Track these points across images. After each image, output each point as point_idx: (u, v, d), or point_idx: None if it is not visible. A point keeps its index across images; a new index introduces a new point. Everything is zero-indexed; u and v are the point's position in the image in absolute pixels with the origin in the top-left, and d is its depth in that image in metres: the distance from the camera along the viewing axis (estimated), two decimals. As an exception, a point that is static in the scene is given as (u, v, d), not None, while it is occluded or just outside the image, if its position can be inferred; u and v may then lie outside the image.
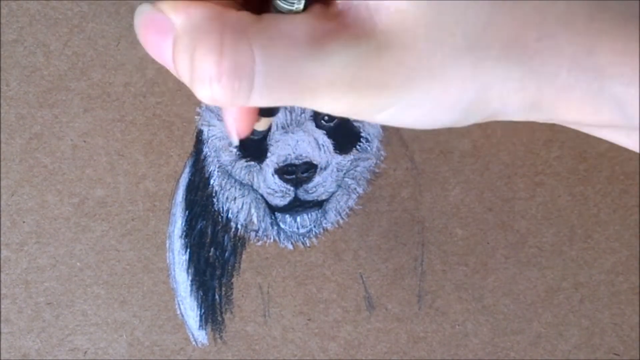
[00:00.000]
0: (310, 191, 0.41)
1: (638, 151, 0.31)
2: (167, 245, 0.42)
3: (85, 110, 0.42)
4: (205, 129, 0.42)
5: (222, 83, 0.25)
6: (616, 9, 0.27)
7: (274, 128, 0.41)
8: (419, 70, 0.26)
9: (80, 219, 0.42)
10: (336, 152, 0.42)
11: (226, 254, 0.42)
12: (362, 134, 0.42)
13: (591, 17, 0.27)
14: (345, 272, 0.42)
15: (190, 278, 0.42)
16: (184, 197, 0.42)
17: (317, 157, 0.41)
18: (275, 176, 0.41)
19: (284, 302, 0.42)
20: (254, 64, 0.25)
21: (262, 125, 0.33)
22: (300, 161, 0.41)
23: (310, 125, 0.41)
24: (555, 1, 0.26)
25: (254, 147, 0.42)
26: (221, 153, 0.42)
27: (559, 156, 0.43)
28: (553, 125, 0.43)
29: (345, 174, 0.42)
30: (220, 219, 0.43)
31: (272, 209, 0.42)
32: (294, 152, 0.41)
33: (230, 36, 0.25)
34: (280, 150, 0.41)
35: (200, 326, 0.42)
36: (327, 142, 0.41)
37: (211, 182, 0.42)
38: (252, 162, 0.42)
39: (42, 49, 0.42)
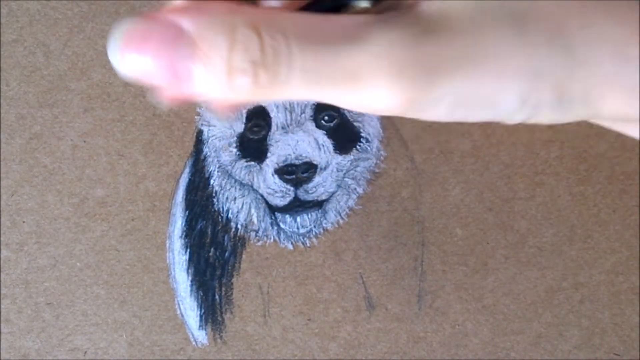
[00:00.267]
0: (310, 191, 0.41)
1: None
2: (167, 245, 0.42)
3: (85, 110, 0.42)
4: (205, 129, 0.42)
5: (264, 66, 0.24)
6: None
7: (274, 128, 0.41)
8: (470, 54, 0.25)
9: (80, 219, 0.42)
10: (336, 152, 0.42)
11: (226, 254, 0.42)
12: (362, 134, 0.42)
13: (631, 6, 0.26)
14: (345, 272, 0.42)
15: (190, 278, 0.42)
16: (184, 197, 0.42)
17: (317, 157, 0.41)
18: (275, 176, 0.41)
19: (284, 302, 0.42)
20: (291, 50, 0.24)
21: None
22: (300, 161, 0.41)
23: (311, 125, 0.41)
24: None
25: (254, 147, 0.42)
26: (221, 153, 0.42)
27: (559, 156, 0.43)
28: (553, 125, 0.43)
29: (345, 174, 0.42)
30: (220, 219, 0.43)
31: (272, 209, 0.42)
32: (294, 152, 0.41)
33: (266, 26, 0.24)
34: (280, 151, 0.41)
35: (200, 326, 0.42)
36: (327, 142, 0.41)
37: (211, 182, 0.42)
38: (252, 162, 0.42)
39: (42, 49, 0.42)
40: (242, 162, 0.42)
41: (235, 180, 0.42)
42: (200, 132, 0.42)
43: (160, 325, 0.42)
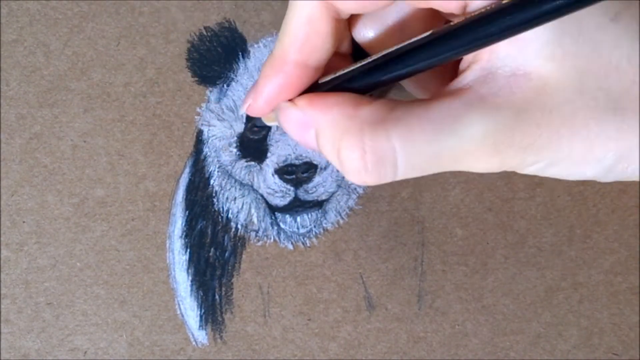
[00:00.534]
0: (310, 191, 0.41)
1: None
2: (167, 245, 0.42)
3: (85, 110, 0.42)
4: (205, 129, 0.42)
5: (368, 172, 0.27)
6: None
7: (274, 128, 0.41)
8: (562, 132, 0.27)
9: (80, 219, 0.42)
10: (336, 152, 0.42)
11: (226, 254, 0.42)
12: (362, 134, 0.42)
13: None
14: (345, 272, 0.42)
15: (190, 278, 0.42)
16: (184, 197, 0.42)
17: (317, 157, 0.41)
18: (275, 176, 0.41)
19: (284, 302, 0.42)
20: (395, 153, 0.27)
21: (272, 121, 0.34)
22: (300, 161, 0.41)
23: (311, 125, 0.41)
24: None
25: (254, 147, 0.42)
26: (221, 153, 0.42)
27: (558, 156, 0.43)
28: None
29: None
30: (220, 219, 0.43)
31: (272, 209, 0.42)
32: (294, 152, 0.41)
33: (369, 132, 0.27)
34: (280, 150, 0.41)
35: (200, 326, 0.42)
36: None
37: (211, 182, 0.42)
38: (252, 162, 0.42)
39: (42, 49, 0.42)
40: (242, 162, 0.42)
41: (236, 180, 0.42)
42: (200, 132, 0.42)
43: (160, 325, 0.42)
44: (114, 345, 0.42)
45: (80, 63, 0.42)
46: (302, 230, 0.42)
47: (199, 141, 0.42)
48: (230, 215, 0.43)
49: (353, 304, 0.42)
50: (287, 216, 0.42)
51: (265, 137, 0.41)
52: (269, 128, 0.41)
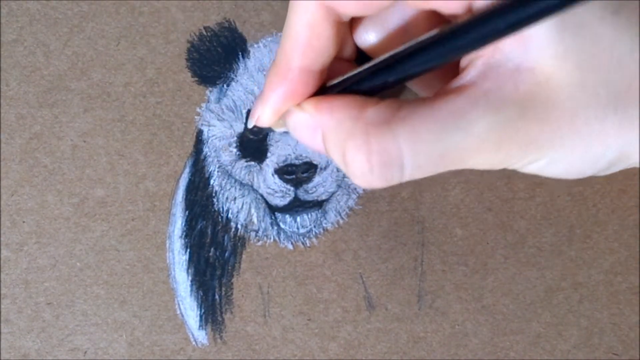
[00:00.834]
0: (310, 191, 0.41)
1: None
2: (167, 245, 0.42)
3: (85, 110, 0.42)
4: (205, 129, 0.42)
5: (375, 175, 0.27)
6: None
7: (274, 128, 0.41)
8: (563, 129, 0.27)
9: (80, 219, 0.42)
10: (336, 152, 0.42)
11: (226, 254, 0.42)
12: (362, 134, 0.42)
13: None
14: (345, 272, 0.42)
15: (190, 278, 0.42)
16: (184, 197, 0.42)
17: (317, 157, 0.41)
18: (275, 176, 0.41)
19: (284, 302, 0.42)
20: (402, 155, 0.27)
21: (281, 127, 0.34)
22: (300, 161, 0.41)
23: (311, 125, 0.41)
24: None
25: (254, 147, 0.42)
26: (221, 153, 0.42)
27: (558, 156, 0.43)
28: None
29: (345, 174, 0.42)
30: (220, 219, 0.43)
31: (272, 209, 0.42)
32: (294, 152, 0.41)
33: (375, 134, 0.27)
34: (280, 150, 0.41)
35: (200, 326, 0.42)
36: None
37: (211, 182, 0.42)
38: (252, 162, 0.42)
39: (42, 48, 0.42)
40: (242, 162, 0.42)
41: (235, 180, 0.42)
42: (200, 132, 0.42)
43: (160, 325, 0.42)
44: (114, 345, 0.42)
45: (80, 63, 0.42)
46: (302, 230, 0.42)
47: (199, 141, 0.42)
48: (230, 215, 0.43)
49: (353, 304, 0.42)
50: (287, 216, 0.42)
51: (265, 137, 0.41)
52: (269, 128, 0.41)
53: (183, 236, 0.42)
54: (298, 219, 0.42)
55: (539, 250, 0.43)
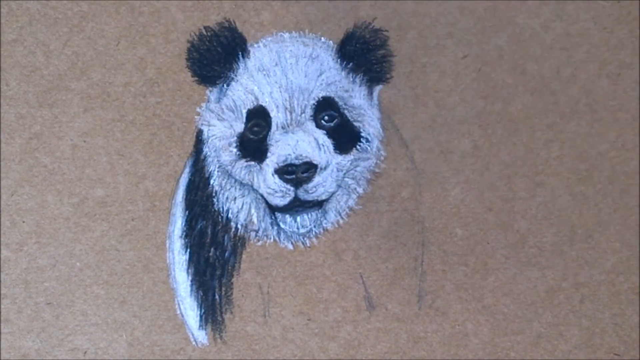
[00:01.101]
0: (310, 191, 0.41)
1: None
2: (167, 245, 0.42)
3: (85, 110, 0.42)
4: (205, 129, 0.42)
5: None
6: None
7: (274, 128, 0.41)
8: None
9: (80, 219, 0.42)
10: (336, 152, 0.42)
11: (226, 254, 0.42)
12: (362, 134, 0.42)
13: None
14: (345, 272, 0.42)
15: (190, 278, 0.42)
16: (184, 197, 0.42)
17: (317, 157, 0.41)
18: (275, 176, 0.41)
19: (284, 302, 0.42)
20: None
21: None
22: (300, 161, 0.41)
23: (311, 125, 0.41)
24: None
25: (254, 147, 0.42)
26: (221, 153, 0.42)
27: (559, 156, 0.43)
28: (553, 125, 0.43)
29: (345, 174, 0.42)
30: (220, 219, 0.42)
31: (272, 209, 0.42)
32: (294, 152, 0.41)
33: None
34: (280, 150, 0.41)
35: (200, 326, 0.42)
36: (327, 142, 0.41)
37: (211, 182, 0.42)
38: (252, 162, 0.42)
39: (42, 48, 0.42)
40: (242, 162, 0.42)
41: (235, 180, 0.42)
42: (200, 132, 0.42)
43: (160, 325, 0.42)
44: (114, 345, 0.42)
45: (80, 63, 0.42)
46: (302, 230, 0.42)
47: (199, 141, 0.42)
48: (230, 215, 0.42)
49: (353, 304, 0.42)
50: (287, 216, 0.42)
51: (265, 137, 0.41)
52: (269, 128, 0.41)
53: (183, 236, 0.42)
54: (298, 219, 0.42)
55: (539, 250, 0.43)
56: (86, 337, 0.42)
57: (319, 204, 0.42)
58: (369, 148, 0.42)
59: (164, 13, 0.42)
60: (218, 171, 0.42)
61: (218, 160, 0.42)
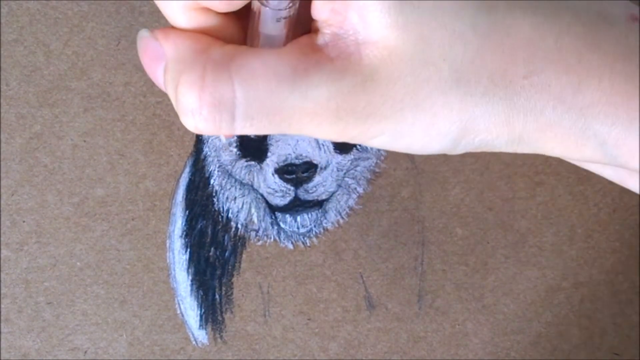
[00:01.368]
0: (310, 191, 0.41)
1: (626, 186, 0.32)
2: (167, 244, 0.42)
3: (85, 110, 0.42)
4: (205, 128, 0.42)
5: (203, 116, 0.26)
6: (605, 49, 0.27)
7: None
8: (405, 102, 0.27)
9: (80, 218, 0.42)
10: (336, 152, 0.42)
11: (226, 254, 0.42)
12: (362, 134, 0.42)
13: (580, 56, 0.27)
14: (345, 272, 0.42)
15: (190, 278, 0.42)
16: (184, 196, 0.42)
17: (317, 157, 0.41)
18: (276, 176, 0.41)
19: (284, 302, 0.42)
20: (234, 97, 0.26)
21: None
22: (300, 161, 0.41)
23: (310, 124, 0.41)
24: (545, 37, 0.27)
25: (254, 147, 0.42)
26: (221, 153, 0.42)
27: (559, 156, 0.43)
28: (553, 124, 0.43)
29: (345, 173, 0.42)
30: (220, 219, 0.43)
31: (273, 209, 0.42)
32: (294, 152, 0.41)
33: (212, 70, 0.26)
34: (280, 150, 0.41)
35: (200, 326, 0.42)
36: (327, 142, 0.41)
37: (211, 182, 0.42)
38: (252, 162, 0.42)
39: (42, 48, 0.42)
40: (242, 162, 0.42)
41: (236, 180, 0.42)
42: (200, 132, 0.42)
43: (160, 325, 0.42)
44: (114, 344, 0.42)
45: (80, 63, 0.42)
46: (302, 230, 0.42)
47: (199, 141, 0.42)
48: (230, 214, 0.43)
49: (353, 303, 0.42)
50: (287, 216, 0.42)
51: (265, 137, 0.41)
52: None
53: (183, 236, 0.42)
54: (298, 218, 0.42)
55: (539, 250, 0.43)
56: (86, 337, 0.42)
57: (319, 204, 0.42)
58: (369, 147, 0.42)
59: (164, 13, 0.42)
60: (218, 171, 0.42)
61: (218, 160, 0.42)
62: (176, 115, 0.42)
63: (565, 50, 0.27)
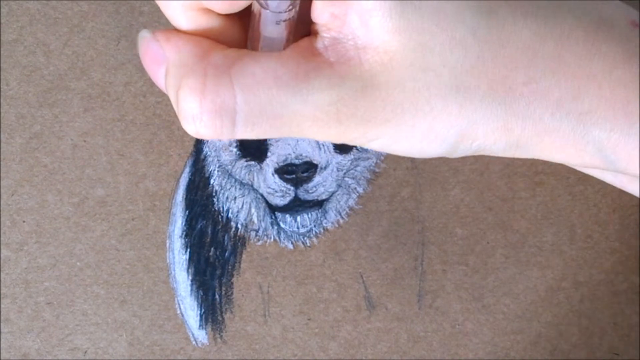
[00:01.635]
0: (310, 191, 0.41)
1: (626, 190, 0.32)
2: (167, 244, 0.42)
3: (85, 109, 0.42)
4: (205, 128, 0.42)
5: (204, 122, 0.26)
6: (605, 55, 0.27)
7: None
8: (405, 108, 0.27)
9: (80, 218, 0.42)
10: (336, 152, 0.42)
11: (226, 254, 0.42)
12: (362, 134, 0.42)
13: (579, 62, 0.27)
14: (345, 272, 0.42)
15: (190, 278, 0.42)
16: (184, 196, 0.42)
17: (317, 157, 0.41)
18: (276, 176, 0.41)
19: (284, 302, 0.42)
20: (235, 103, 0.26)
21: None
22: (300, 161, 0.41)
23: (310, 124, 0.41)
24: (545, 42, 0.27)
25: (254, 147, 0.42)
26: (221, 153, 0.42)
27: (559, 156, 0.43)
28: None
29: (345, 173, 0.42)
30: (220, 219, 0.43)
31: (272, 209, 0.42)
32: (294, 152, 0.41)
33: (213, 75, 0.26)
34: (280, 150, 0.41)
35: (200, 326, 0.42)
36: (328, 142, 0.41)
37: (211, 182, 0.42)
38: (252, 162, 0.42)
39: (42, 48, 0.42)
40: (242, 162, 0.42)
41: (236, 180, 0.42)
42: (200, 132, 0.42)
43: (160, 325, 0.42)
44: (114, 344, 0.42)
45: (80, 63, 0.42)
46: (302, 230, 0.42)
47: (199, 141, 0.42)
48: (230, 214, 0.43)
49: (353, 303, 0.42)
50: (287, 216, 0.42)
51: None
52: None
53: (183, 236, 0.42)
54: (298, 218, 0.42)
55: (539, 250, 0.43)
56: (86, 337, 0.42)
57: (319, 204, 0.42)
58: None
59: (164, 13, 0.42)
60: (218, 171, 0.42)
61: (218, 160, 0.42)
62: (176, 115, 0.42)
63: (566, 56, 0.27)
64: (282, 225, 0.42)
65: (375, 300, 0.42)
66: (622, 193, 0.43)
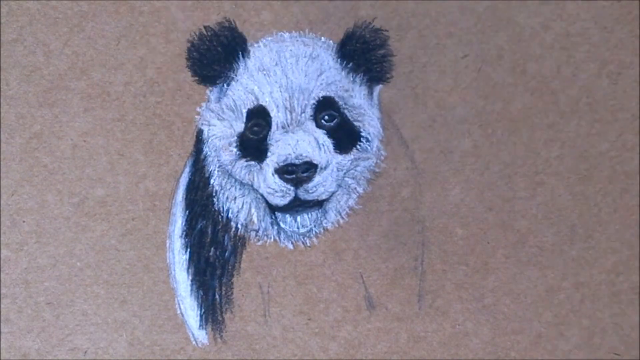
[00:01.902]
0: (310, 191, 0.41)
1: None
2: (167, 244, 0.42)
3: (85, 109, 0.42)
4: (205, 128, 0.42)
5: None
6: None
7: (274, 127, 0.41)
8: None
9: (80, 218, 0.42)
10: (336, 152, 0.42)
11: (226, 254, 0.42)
12: (363, 134, 0.42)
13: None
14: (345, 272, 0.42)
15: (190, 278, 0.42)
16: (184, 196, 0.42)
17: (318, 157, 0.41)
18: (276, 176, 0.41)
19: (284, 302, 0.42)
20: None
21: None
22: (300, 161, 0.41)
23: (311, 124, 0.41)
24: None
25: (254, 147, 0.42)
26: (221, 153, 0.42)
27: (559, 156, 0.43)
28: (553, 125, 0.43)
29: (345, 173, 0.42)
30: (220, 219, 0.42)
31: (273, 209, 0.42)
32: (294, 152, 0.41)
33: None
34: (280, 150, 0.41)
35: (200, 326, 0.42)
36: (328, 142, 0.41)
37: (211, 182, 0.42)
38: (252, 162, 0.42)
39: (42, 48, 0.42)
40: (242, 162, 0.42)
41: (236, 180, 0.42)
42: (200, 132, 0.42)
43: (161, 324, 0.42)
44: (114, 344, 0.42)
45: (80, 63, 0.42)
46: (302, 230, 0.42)
47: (199, 141, 0.42)
48: (230, 214, 0.42)
49: (353, 303, 0.42)
50: (287, 216, 0.42)
51: (265, 137, 0.41)
52: (269, 127, 0.41)
53: (183, 236, 0.42)
54: (298, 218, 0.42)
55: (540, 250, 0.43)
56: (86, 337, 0.42)
57: (319, 204, 0.42)
58: (369, 148, 0.42)
59: (164, 13, 0.42)
60: (218, 171, 0.42)
61: (218, 160, 0.42)
62: (176, 115, 0.42)
63: None
64: (282, 225, 0.42)
65: (375, 300, 0.42)
66: (622, 193, 0.43)
